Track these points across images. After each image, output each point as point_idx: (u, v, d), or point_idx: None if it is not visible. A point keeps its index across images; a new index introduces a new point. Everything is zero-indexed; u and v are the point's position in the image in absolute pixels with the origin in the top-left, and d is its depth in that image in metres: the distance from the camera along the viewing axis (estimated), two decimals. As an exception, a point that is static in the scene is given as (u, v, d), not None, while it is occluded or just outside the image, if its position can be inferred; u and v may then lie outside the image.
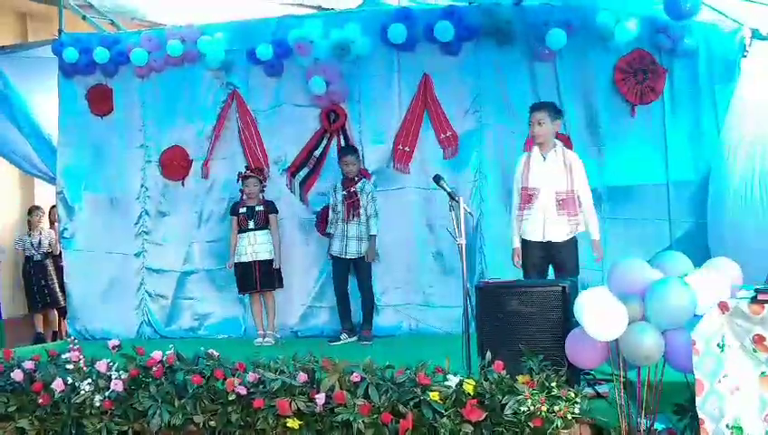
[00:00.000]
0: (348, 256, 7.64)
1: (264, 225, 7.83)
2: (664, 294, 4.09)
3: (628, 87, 7.51)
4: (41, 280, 10.00)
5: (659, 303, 4.09)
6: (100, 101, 8.69)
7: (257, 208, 7.84)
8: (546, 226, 5.94)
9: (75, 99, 8.76)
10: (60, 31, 8.86)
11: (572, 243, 5.99)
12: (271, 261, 7.82)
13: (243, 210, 7.85)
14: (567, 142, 7.48)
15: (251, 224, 7.80)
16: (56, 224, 9.40)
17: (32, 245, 10.01)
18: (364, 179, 7.74)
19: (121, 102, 8.69)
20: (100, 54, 8.47)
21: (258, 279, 7.81)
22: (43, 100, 8.94)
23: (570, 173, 5.92)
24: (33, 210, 10.17)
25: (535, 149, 6.06)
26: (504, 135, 7.79)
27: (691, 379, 4.08)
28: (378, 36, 7.92)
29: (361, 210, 7.60)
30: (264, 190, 8.00)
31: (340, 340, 7.65)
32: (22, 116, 8.98)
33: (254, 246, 7.80)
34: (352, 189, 7.63)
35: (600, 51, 7.56)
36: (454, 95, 7.94)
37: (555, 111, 6.06)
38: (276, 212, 7.95)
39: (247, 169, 7.98)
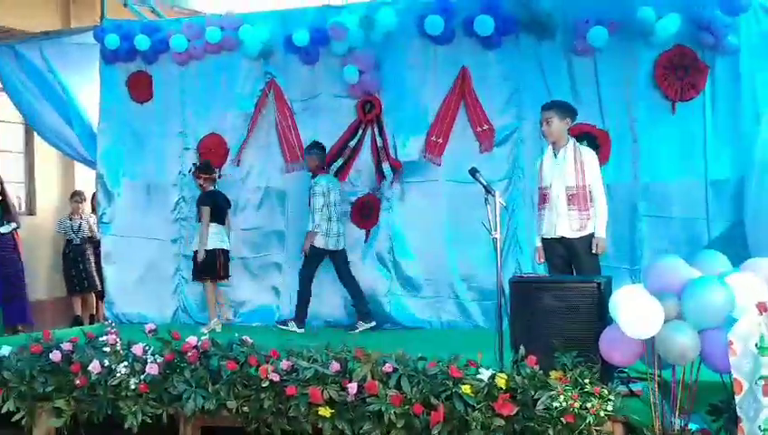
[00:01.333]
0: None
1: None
2: (701, 294, 4.06)
3: (669, 83, 7.42)
4: (79, 264, 10.14)
5: (696, 302, 4.06)
6: (140, 88, 8.80)
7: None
8: (558, 221, 5.99)
9: (116, 85, 8.87)
10: (102, 17, 8.98)
11: (588, 240, 5.97)
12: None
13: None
14: (605, 138, 7.45)
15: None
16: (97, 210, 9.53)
17: (72, 229, 10.15)
18: (318, 176, 7.86)
19: (161, 90, 8.78)
20: (141, 42, 8.56)
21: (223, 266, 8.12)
22: (85, 85, 9.05)
23: (581, 169, 5.95)
24: (74, 195, 10.31)
25: (549, 147, 6.14)
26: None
27: (727, 379, 4.05)
28: (414, 27, 7.90)
29: (311, 207, 7.81)
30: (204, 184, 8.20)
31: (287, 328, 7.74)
32: (64, 101, 9.09)
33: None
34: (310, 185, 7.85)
35: (641, 46, 7.47)
36: (492, 89, 7.90)
37: (564, 110, 6.08)
38: (202, 204, 8.11)
39: (195, 167, 8.27)
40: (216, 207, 8.13)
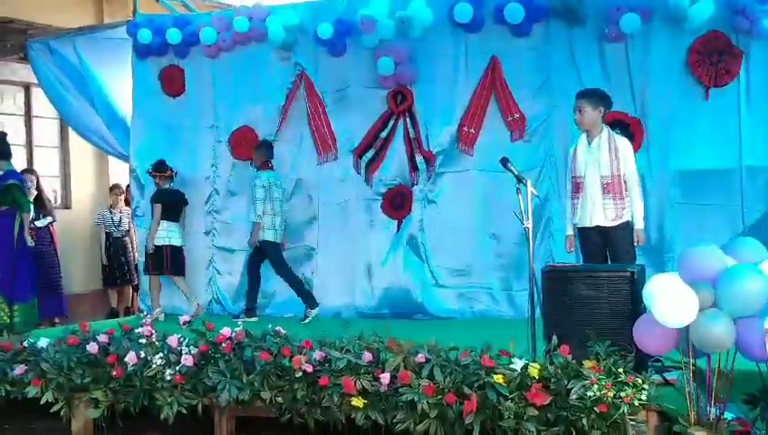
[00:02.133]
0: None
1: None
2: (737, 282, 4.00)
3: (703, 69, 7.32)
4: (120, 257, 10.26)
5: (732, 290, 4.01)
6: (173, 82, 8.88)
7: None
8: (593, 210, 5.93)
9: (148, 79, 8.96)
10: (134, 12, 9.05)
11: (623, 228, 5.91)
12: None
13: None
14: (638, 126, 7.37)
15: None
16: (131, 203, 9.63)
17: (112, 222, 10.26)
18: (261, 171, 8.10)
19: (193, 83, 8.86)
20: (173, 35, 8.63)
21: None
22: (118, 80, 9.16)
23: (616, 157, 5.87)
24: (113, 188, 10.42)
25: (582, 136, 6.07)
26: (573, 117, 7.66)
27: (763, 368, 4.01)
28: (444, 16, 7.87)
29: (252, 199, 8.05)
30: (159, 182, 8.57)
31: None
32: (97, 96, 9.21)
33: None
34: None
35: (673, 32, 7.38)
36: (523, 77, 7.86)
37: (598, 98, 5.99)
38: (153, 201, 8.50)
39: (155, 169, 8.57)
40: (167, 204, 8.43)
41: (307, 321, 7.72)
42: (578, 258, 6.36)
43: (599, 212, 5.92)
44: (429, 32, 7.94)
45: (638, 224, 5.93)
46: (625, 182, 5.89)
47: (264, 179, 8.07)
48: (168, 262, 8.40)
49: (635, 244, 5.95)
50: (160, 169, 8.51)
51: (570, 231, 6.15)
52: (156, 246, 8.33)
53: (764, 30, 7.12)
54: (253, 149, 8.44)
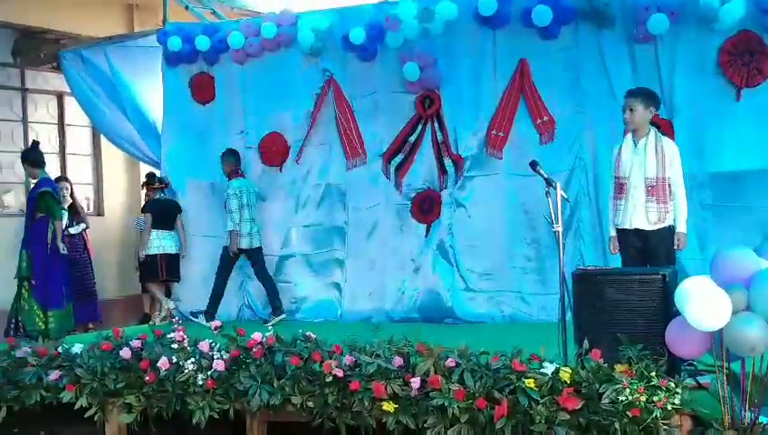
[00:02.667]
0: None
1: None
2: (770, 284, 3.96)
3: (734, 69, 7.24)
4: None
5: (765, 293, 3.96)
6: (203, 89, 8.96)
7: None
8: (634, 212, 5.83)
9: (179, 87, 9.04)
10: (164, 21, 9.15)
11: (664, 232, 5.80)
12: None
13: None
14: (669, 128, 7.30)
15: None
16: None
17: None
18: (232, 180, 8.36)
19: (222, 90, 8.93)
20: (202, 42, 8.72)
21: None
22: (149, 87, 9.27)
23: (662, 160, 5.76)
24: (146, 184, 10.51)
25: (628, 136, 5.93)
26: (603, 120, 7.63)
27: (798, 372, 3.96)
28: (472, 18, 7.87)
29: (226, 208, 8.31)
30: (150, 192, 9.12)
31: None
32: (129, 103, 9.33)
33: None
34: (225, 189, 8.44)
35: (704, 32, 7.31)
36: (551, 79, 7.82)
37: (649, 98, 5.87)
38: (143, 211, 9.05)
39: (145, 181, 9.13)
40: (157, 213, 8.76)
41: (270, 324, 7.71)
42: (613, 261, 6.30)
43: (640, 215, 5.80)
44: (455, 33, 7.95)
45: (681, 227, 5.82)
46: (669, 186, 5.79)
47: (236, 188, 8.32)
48: (163, 270, 8.79)
49: (676, 247, 5.87)
50: (149, 181, 9.02)
51: (613, 232, 6.02)
52: (150, 255, 8.69)
53: (797, 29, 7.04)
54: (282, 154, 8.52)
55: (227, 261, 8.44)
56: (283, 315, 8.29)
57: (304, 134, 8.62)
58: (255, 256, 8.49)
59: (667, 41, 7.43)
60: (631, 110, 5.81)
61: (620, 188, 5.89)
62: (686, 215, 5.85)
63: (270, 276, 8.48)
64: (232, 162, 8.43)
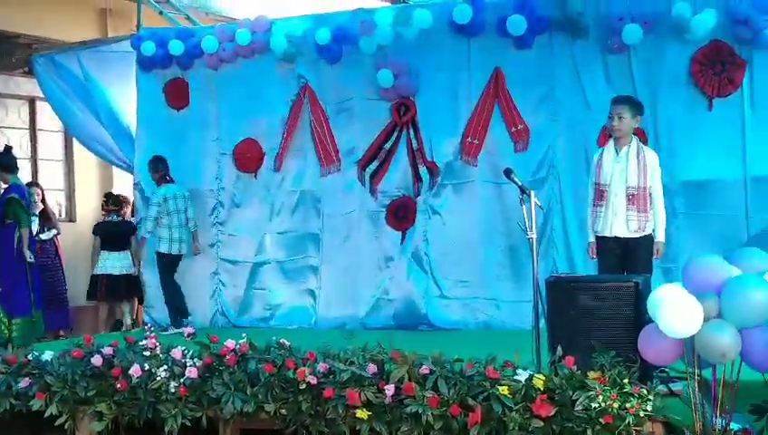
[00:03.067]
0: None
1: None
2: (741, 292, 4.00)
3: (706, 79, 7.33)
4: None
5: (736, 300, 4.00)
6: (177, 95, 8.90)
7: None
8: (614, 220, 5.86)
9: (153, 92, 8.99)
10: (138, 26, 9.09)
11: (644, 241, 5.85)
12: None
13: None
14: (642, 136, 7.35)
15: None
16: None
17: None
18: (160, 187, 8.53)
19: (197, 96, 8.89)
20: (175, 47, 8.67)
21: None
22: (123, 92, 9.20)
23: (644, 170, 5.80)
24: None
25: (610, 143, 5.95)
26: (577, 128, 7.70)
27: (769, 378, 4.00)
28: (447, 26, 7.90)
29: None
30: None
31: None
32: (102, 108, 9.26)
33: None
34: None
35: (676, 43, 7.40)
36: (526, 88, 7.87)
37: (637, 107, 5.90)
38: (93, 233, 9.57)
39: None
40: (104, 235, 9.35)
41: (167, 333, 7.79)
42: (587, 268, 6.33)
43: (620, 223, 5.84)
44: (430, 41, 7.98)
45: (660, 237, 5.87)
46: (650, 195, 5.83)
47: (160, 196, 8.46)
48: (103, 291, 9.29)
49: (655, 257, 5.90)
50: (105, 201, 9.66)
51: (592, 238, 6.05)
52: (94, 275, 9.23)
53: (767, 39, 7.13)
54: (256, 161, 8.52)
55: (164, 269, 8.55)
56: (182, 329, 8.15)
57: (279, 141, 8.60)
58: (176, 262, 8.63)
59: (640, 51, 7.50)
60: (619, 117, 5.82)
61: (600, 195, 5.91)
62: (665, 224, 5.91)
63: (176, 287, 8.56)
64: (159, 169, 8.55)
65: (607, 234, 5.90)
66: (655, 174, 5.85)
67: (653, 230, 5.85)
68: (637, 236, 5.83)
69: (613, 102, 5.93)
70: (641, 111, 5.95)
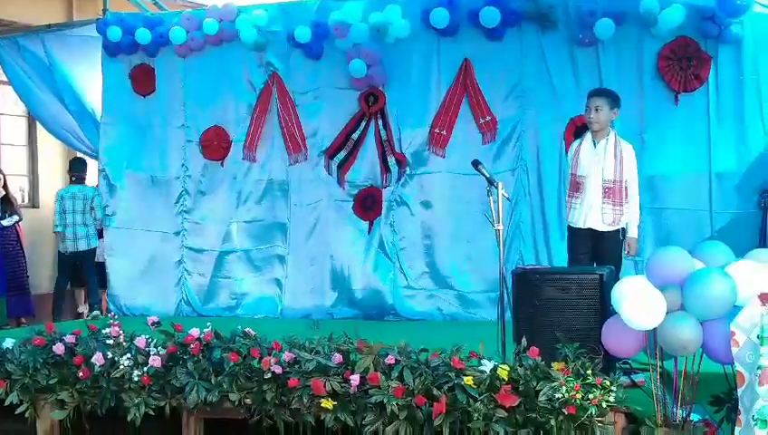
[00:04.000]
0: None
1: None
2: (703, 284, 4.04)
3: (672, 74, 7.40)
4: None
5: (698, 292, 4.04)
6: (143, 81, 8.79)
7: None
8: (589, 213, 5.87)
9: (119, 78, 8.87)
10: (104, 10, 8.96)
11: (617, 235, 5.88)
12: None
13: None
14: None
15: None
16: None
17: None
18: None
19: (163, 82, 8.79)
20: (142, 35, 8.57)
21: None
22: (88, 77, 9.09)
23: (620, 163, 5.81)
24: None
25: (588, 135, 5.94)
26: (545, 121, 7.74)
27: (729, 370, 4.04)
28: (418, 20, 7.90)
29: None
30: None
31: None
32: (67, 93, 9.14)
33: None
34: None
35: (644, 37, 7.47)
36: (495, 80, 7.89)
37: (614, 99, 5.88)
38: None
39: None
40: None
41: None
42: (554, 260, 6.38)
43: (595, 215, 5.84)
44: (402, 35, 7.95)
45: (632, 232, 5.89)
46: (626, 189, 5.84)
47: (59, 195, 8.91)
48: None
49: (626, 253, 5.93)
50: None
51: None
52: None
53: (733, 36, 7.23)
54: (223, 149, 8.46)
55: (60, 264, 9.01)
56: (96, 312, 8.67)
57: (246, 129, 8.53)
58: (82, 259, 8.93)
59: (609, 45, 7.55)
60: (597, 109, 5.82)
61: (577, 186, 5.92)
62: (638, 220, 5.92)
63: (94, 278, 8.98)
64: (73, 169, 9.07)
65: (581, 225, 5.92)
66: (632, 168, 5.87)
67: (626, 224, 5.88)
68: (610, 229, 5.85)
69: (590, 95, 5.94)
70: (618, 103, 5.93)
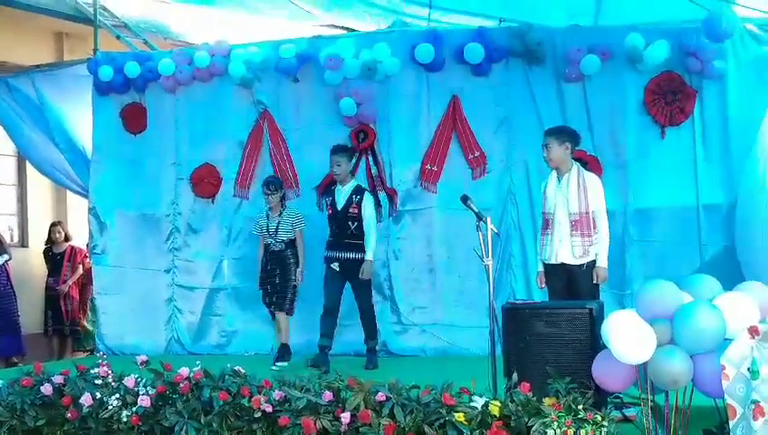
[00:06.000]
0: None
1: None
2: (693, 318, 4.05)
3: (658, 108, 7.49)
4: None
5: (688, 326, 4.05)
6: (135, 119, 8.80)
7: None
8: (560, 247, 5.95)
9: (110, 117, 8.87)
10: (95, 50, 9.01)
11: (589, 267, 5.92)
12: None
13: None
14: (596, 164, 7.47)
15: None
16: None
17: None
18: None
19: (155, 120, 8.79)
20: (132, 69, 8.56)
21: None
22: (79, 116, 9.09)
23: (584, 194, 5.90)
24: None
25: (553, 173, 6.10)
26: (533, 156, 7.75)
27: (720, 404, 4.04)
28: (407, 57, 7.97)
29: None
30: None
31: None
32: (58, 132, 9.14)
33: None
34: None
35: (630, 73, 7.57)
36: (483, 116, 7.95)
37: (563, 134, 6.02)
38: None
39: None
40: None
41: None
42: (543, 295, 6.39)
43: (565, 249, 5.92)
44: (391, 72, 8.02)
45: (601, 262, 5.93)
46: (594, 220, 5.90)
47: None
48: None
49: (595, 281, 5.95)
50: None
51: (540, 267, 6.14)
52: None
53: (716, 70, 7.33)
54: (213, 186, 8.47)
55: None
56: None
57: (237, 166, 8.55)
58: None
59: (596, 80, 7.64)
60: (546, 148, 6.00)
61: (546, 223, 6.04)
62: (607, 248, 5.96)
63: None
64: None
65: (553, 261, 5.99)
66: (597, 197, 5.94)
67: (596, 255, 5.91)
68: (582, 262, 5.90)
69: (543, 135, 6.10)
70: (571, 138, 6.04)
